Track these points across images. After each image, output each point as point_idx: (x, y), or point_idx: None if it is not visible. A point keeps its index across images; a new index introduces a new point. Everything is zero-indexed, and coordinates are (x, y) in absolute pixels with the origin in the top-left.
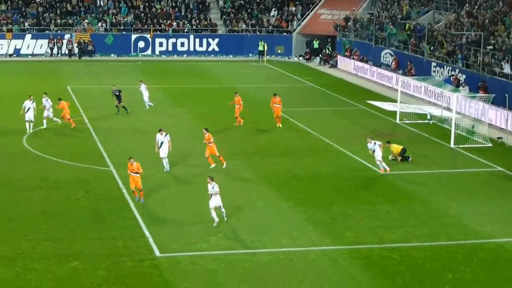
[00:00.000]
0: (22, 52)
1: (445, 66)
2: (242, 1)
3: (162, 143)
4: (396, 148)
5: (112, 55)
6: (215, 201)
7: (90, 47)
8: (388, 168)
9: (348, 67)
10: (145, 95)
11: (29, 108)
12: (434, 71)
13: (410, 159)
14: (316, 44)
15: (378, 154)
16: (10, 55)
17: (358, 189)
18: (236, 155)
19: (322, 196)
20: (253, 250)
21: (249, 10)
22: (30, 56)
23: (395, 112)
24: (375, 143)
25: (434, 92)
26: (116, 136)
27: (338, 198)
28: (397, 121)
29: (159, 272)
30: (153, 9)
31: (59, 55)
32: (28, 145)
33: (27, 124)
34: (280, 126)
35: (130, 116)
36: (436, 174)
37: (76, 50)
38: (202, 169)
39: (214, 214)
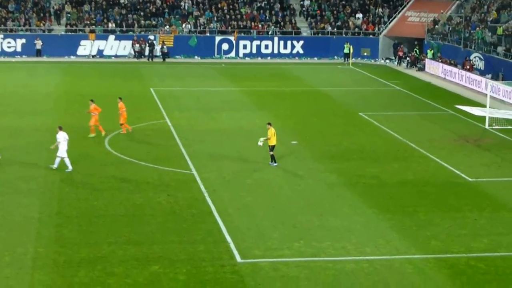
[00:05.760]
0: (105, 53)
1: None
2: (327, 4)
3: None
4: (271, 134)
5: (196, 57)
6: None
7: (164, 49)
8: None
9: (436, 71)
10: None
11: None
12: None
13: (275, 164)
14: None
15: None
16: (93, 56)
17: (445, 196)
18: (320, 158)
19: (408, 203)
20: (336, 258)
21: (334, 12)
22: (113, 58)
23: (484, 117)
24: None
25: None
26: (199, 139)
27: (424, 205)
28: (486, 126)
29: (240, 278)
30: (237, 11)
31: (143, 56)
32: (110, 147)
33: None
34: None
35: (213, 119)
36: None
37: (159, 52)
38: (286, 174)
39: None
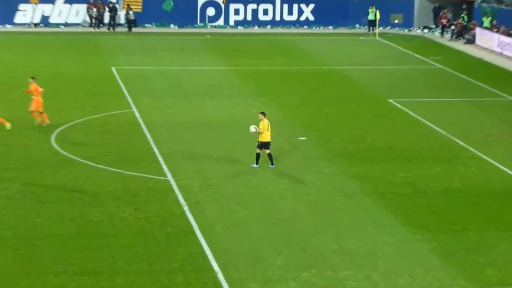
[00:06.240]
0: (51, 21)
1: None
2: None
3: None
4: (264, 127)
5: (172, 25)
6: None
7: (130, 15)
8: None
9: (490, 44)
10: None
11: None
12: None
13: (255, 165)
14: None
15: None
16: (35, 25)
17: (503, 210)
18: (337, 159)
19: (454, 219)
20: None
21: None
22: (62, 27)
23: None
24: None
25: None
26: (176, 134)
27: (476, 221)
28: None
29: None
30: None
31: (101, 25)
32: (58, 145)
33: None
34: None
35: (195, 107)
36: None
37: (123, 19)
38: (292, 180)
39: None
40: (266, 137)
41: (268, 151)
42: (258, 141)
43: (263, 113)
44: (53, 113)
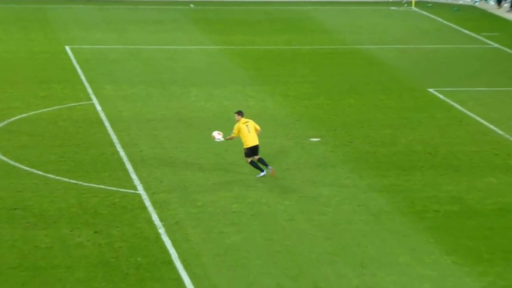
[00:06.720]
0: None
1: None
2: None
3: None
4: (237, 131)
5: None
6: None
7: None
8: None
9: None
10: None
11: None
12: None
13: (266, 172)
14: None
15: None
16: None
17: None
18: (360, 167)
19: None
20: None
21: None
22: None
23: None
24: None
25: None
26: (150, 133)
27: None
28: None
29: None
30: None
31: None
32: None
33: None
34: None
35: (175, 99)
36: None
37: None
38: (300, 194)
39: None
40: (250, 141)
41: (257, 157)
42: (244, 148)
43: (239, 113)
44: None
